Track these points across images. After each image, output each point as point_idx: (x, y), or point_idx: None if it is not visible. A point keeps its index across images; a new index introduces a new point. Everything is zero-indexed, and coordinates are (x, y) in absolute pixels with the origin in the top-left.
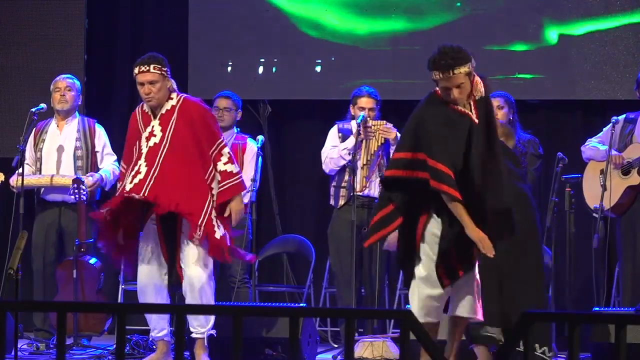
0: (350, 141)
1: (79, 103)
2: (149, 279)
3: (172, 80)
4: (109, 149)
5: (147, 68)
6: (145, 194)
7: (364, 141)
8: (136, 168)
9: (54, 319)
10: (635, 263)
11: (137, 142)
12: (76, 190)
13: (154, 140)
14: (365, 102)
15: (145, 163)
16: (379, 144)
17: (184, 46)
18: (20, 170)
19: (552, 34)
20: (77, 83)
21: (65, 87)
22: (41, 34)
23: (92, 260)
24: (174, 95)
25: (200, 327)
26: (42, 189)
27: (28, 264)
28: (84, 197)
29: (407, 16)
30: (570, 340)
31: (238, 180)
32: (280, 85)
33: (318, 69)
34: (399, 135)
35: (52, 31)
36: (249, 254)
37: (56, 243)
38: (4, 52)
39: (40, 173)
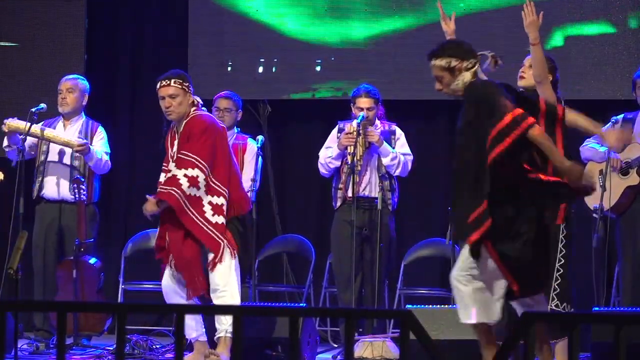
0: (334, 150)
1: (84, 104)
2: (168, 282)
3: (196, 98)
4: (105, 148)
5: (168, 82)
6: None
7: (349, 147)
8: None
9: (54, 319)
10: (635, 263)
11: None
12: (76, 190)
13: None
14: (363, 101)
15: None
16: (364, 148)
17: (184, 46)
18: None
19: (554, 36)
20: (83, 83)
21: (67, 88)
22: (41, 34)
23: (92, 260)
24: (193, 112)
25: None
26: (42, 188)
27: (28, 264)
28: (84, 197)
29: (408, 16)
30: (570, 340)
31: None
32: (280, 85)
33: (318, 68)
34: (382, 137)
35: (52, 31)
36: None
37: (56, 242)
38: (5, 52)
39: (43, 167)
